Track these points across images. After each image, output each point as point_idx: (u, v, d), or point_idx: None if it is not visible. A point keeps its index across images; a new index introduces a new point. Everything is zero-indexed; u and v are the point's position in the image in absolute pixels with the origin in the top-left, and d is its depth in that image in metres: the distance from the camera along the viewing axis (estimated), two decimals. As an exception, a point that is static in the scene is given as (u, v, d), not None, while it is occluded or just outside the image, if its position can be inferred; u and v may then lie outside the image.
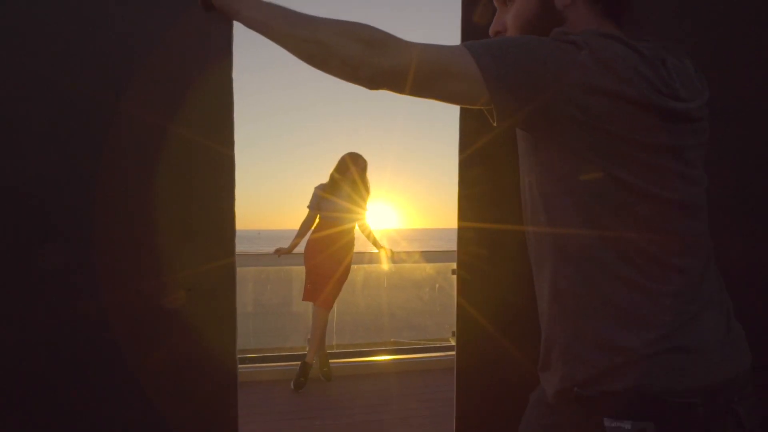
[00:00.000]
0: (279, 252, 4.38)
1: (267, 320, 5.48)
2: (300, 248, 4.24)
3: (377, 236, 4.54)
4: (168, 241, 1.56)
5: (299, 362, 3.99)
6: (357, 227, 4.26)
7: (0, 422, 1.52)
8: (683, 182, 0.91)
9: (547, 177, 0.95)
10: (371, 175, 4.26)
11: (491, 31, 1.07)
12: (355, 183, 4.12)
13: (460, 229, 1.44)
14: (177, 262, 1.56)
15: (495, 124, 0.92)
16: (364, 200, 4.21)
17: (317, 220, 4.14)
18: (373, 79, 0.91)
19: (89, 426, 1.52)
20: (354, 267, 4.48)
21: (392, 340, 5.30)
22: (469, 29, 1.43)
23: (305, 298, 4.14)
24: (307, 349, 4.11)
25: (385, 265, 5.33)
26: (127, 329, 1.54)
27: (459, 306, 1.47)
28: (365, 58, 0.90)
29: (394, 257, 4.91)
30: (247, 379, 4.03)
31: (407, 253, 5.60)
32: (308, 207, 4.15)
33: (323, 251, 4.08)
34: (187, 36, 1.51)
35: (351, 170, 4.08)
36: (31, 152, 1.51)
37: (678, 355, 0.87)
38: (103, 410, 1.52)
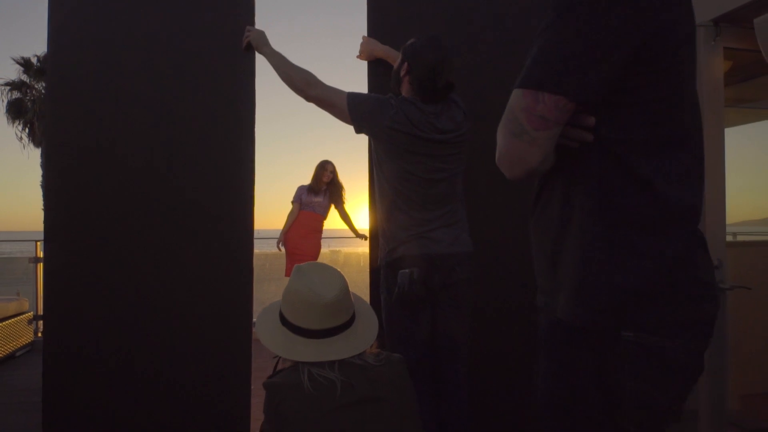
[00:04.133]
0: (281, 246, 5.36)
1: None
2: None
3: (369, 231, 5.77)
4: (189, 236, 2.35)
5: None
6: (339, 216, 5.39)
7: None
8: (437, 170, 1.96)
9: (378, 163, 2.02)
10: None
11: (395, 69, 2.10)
12: (332, 183, 5.26)
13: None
14: (198, 255, 2.35)
15: (356, 133, 1.99)
16: (341, 196, 5.34)
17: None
18: (306, 98, 2.02)
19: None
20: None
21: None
22: (374, 84, 2.33)
23: (288, 275, 5.13)
24: None
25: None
26: (164, 312, 2.36)
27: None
28: (305, 88, 2.00)
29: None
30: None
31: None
32: (292, 201, 5.23)
33: (316, 248, 5.24)
34: (215, 48, 2.35)
35: (326, 173, 5.17)
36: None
37: (423, 239, 1.95)
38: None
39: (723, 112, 2.44)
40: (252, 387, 2.37)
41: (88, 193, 2.53)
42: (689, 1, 0.92)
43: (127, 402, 2.44)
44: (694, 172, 0.92)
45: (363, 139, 2.15)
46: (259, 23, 2.34)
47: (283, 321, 1.38)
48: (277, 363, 1.42)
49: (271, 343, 1.36)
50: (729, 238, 4.90)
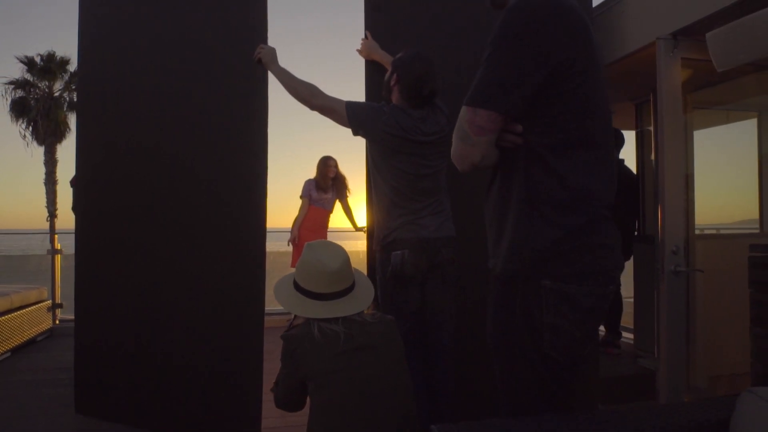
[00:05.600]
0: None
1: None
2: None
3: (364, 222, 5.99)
4: (208, 230, 2.60)
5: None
6: (342, 209, 5.58)
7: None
8: (423, 167, 2.27)
9: (373, 161, 2.32)
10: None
11: (386, 79, 2.37)
12: (336, 178, 5.44)
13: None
14: (215, 248, 2.59)
15: (354, 135, 2.27)
16: (346, 188, 5.53)
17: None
18: (310, 107, 2.30)
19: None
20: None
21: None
22: (371, 84, 2.63)
23: (293, 265, 5.26)
24: None
25: None
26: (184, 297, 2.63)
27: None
28: (309, 99, 2.29)
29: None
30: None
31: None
32: (301, 197, 5.38)
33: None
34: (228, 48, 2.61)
35: (330, 169, 5.36)
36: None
37: (413, 225, 2.25)
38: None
39: (682, 114, 2.74)
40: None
41: (115, 189, 2.83)
42: (587, 38, 1.24)
43: (149, 378, 2.73)
44: (595, 165, 1.23)
45: (360, 142, 2.44)
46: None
47: (297, 287, 1.69)
48: (292, 321, 1.73)
49: (288, 305, 1.67)
50: (712, 232, 5.18)
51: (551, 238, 1.20)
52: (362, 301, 1.69)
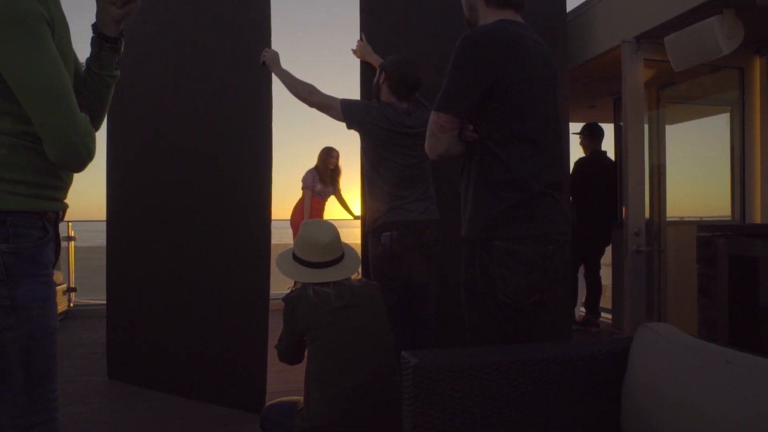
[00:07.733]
0: None
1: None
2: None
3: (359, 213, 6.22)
4: (221, 222, 2.87)
5: None
6: (336, 198, 5.86)
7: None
8: (409, 157, 2.56)
9: (365, 153, 2.64)
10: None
11: (375, 81, 2.66)
12: (336, 170, 5.71)
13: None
14: (227, 238, 2.85)
15: (348, 129, 2.58)
16: (338, 180, 5.81)
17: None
18: (309, 105, 2.62)
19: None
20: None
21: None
22: (365, 81, 2.87)
23: None
24: None
25: None
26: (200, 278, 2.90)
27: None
28: (308, 97, 2.62)
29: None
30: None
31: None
32: (304, 188, 5.58)
33: None
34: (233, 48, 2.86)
35: (332, 160, 5.62)
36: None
37: (401, 210, 2.54)
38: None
39: (643, 110, 3.03)
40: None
41: (137, 186, 3.15)
42: (524, 59, 1.57)
43: (169, 351, 3.06)
44: (532, 155, 1.58)
45: (355, 139, 2.72)
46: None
47: (295, 258, 2.01)
48: (292, 288, 2.04)
49: (288, 272, 1.99)
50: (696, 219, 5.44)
51: (499, 209, 1.57)
52: (350, 268, 2.01)
